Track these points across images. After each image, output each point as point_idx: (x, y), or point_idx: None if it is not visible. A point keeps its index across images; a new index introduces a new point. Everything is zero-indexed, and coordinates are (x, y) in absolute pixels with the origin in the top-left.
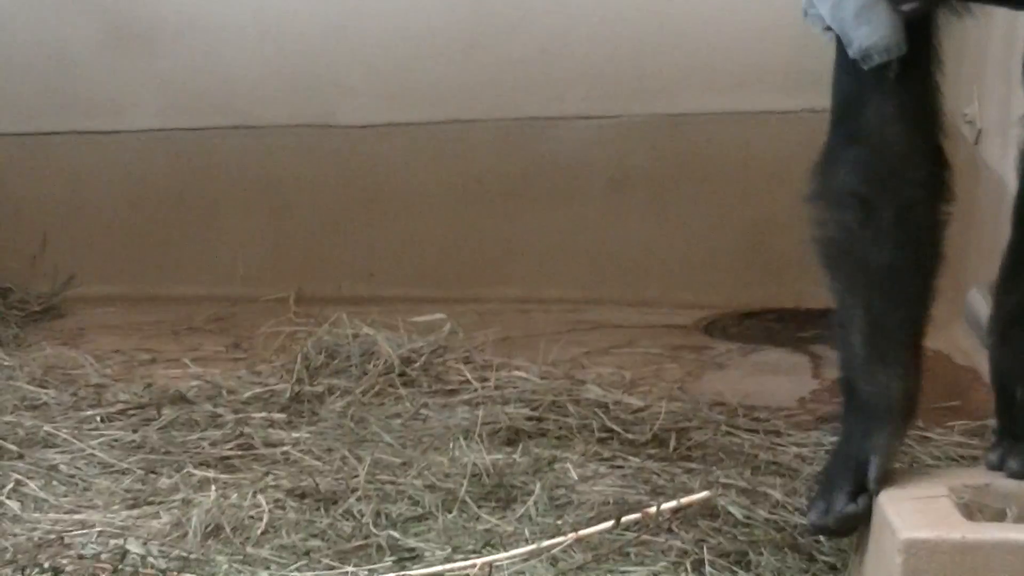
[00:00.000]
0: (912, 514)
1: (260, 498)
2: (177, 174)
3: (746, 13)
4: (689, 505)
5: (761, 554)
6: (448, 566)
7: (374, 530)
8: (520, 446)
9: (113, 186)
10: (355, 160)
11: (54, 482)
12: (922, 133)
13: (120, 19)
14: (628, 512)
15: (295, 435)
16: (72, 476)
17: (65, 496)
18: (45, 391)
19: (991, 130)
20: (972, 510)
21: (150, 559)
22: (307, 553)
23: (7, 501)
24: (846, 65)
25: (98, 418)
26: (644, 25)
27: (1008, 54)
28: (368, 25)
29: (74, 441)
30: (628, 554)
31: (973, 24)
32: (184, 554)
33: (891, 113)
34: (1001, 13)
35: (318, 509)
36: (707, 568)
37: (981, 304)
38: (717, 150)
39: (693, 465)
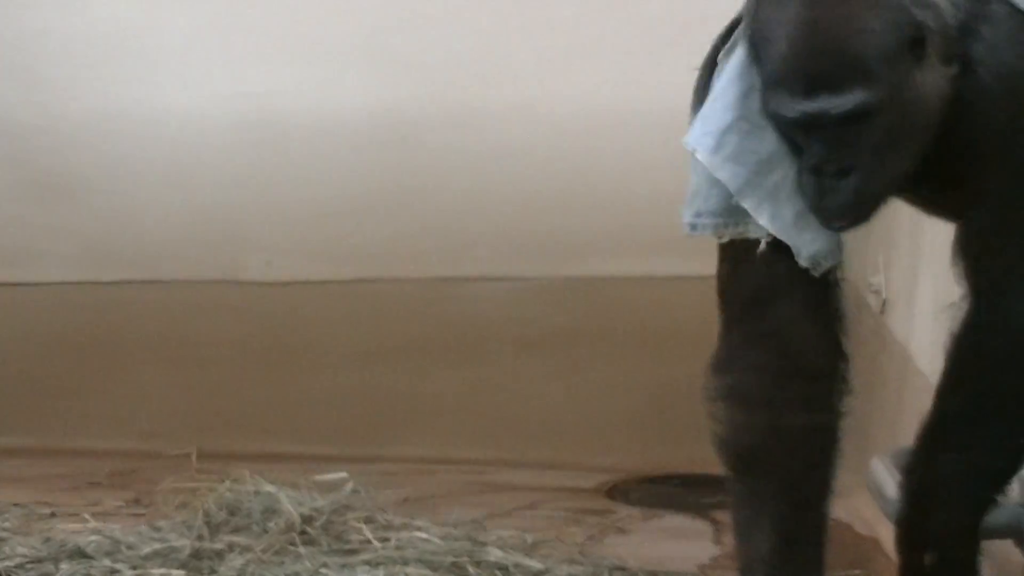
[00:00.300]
0: None
1: None
2: (85, 327)
3: (656, 179)
4: None
5: None
6: None
7: None
8: None
9: (21, 337)
10: (262, 316)
11: None
12: (827, 330)
13: (36, 171)
14: None
15: None
16: None
17: None
18: None
19: (896, 300)
20: None
21: None
22: None
23: None
24: (748, 264)
25: None
26: (556, 188)
27: (915, 226)
28: (279, 182)
29: None
30: None
31: None
32: None
33: (798, 312)
34: None
35: None
36: None
37: (884, 473)
38: (625, 314)
39: None
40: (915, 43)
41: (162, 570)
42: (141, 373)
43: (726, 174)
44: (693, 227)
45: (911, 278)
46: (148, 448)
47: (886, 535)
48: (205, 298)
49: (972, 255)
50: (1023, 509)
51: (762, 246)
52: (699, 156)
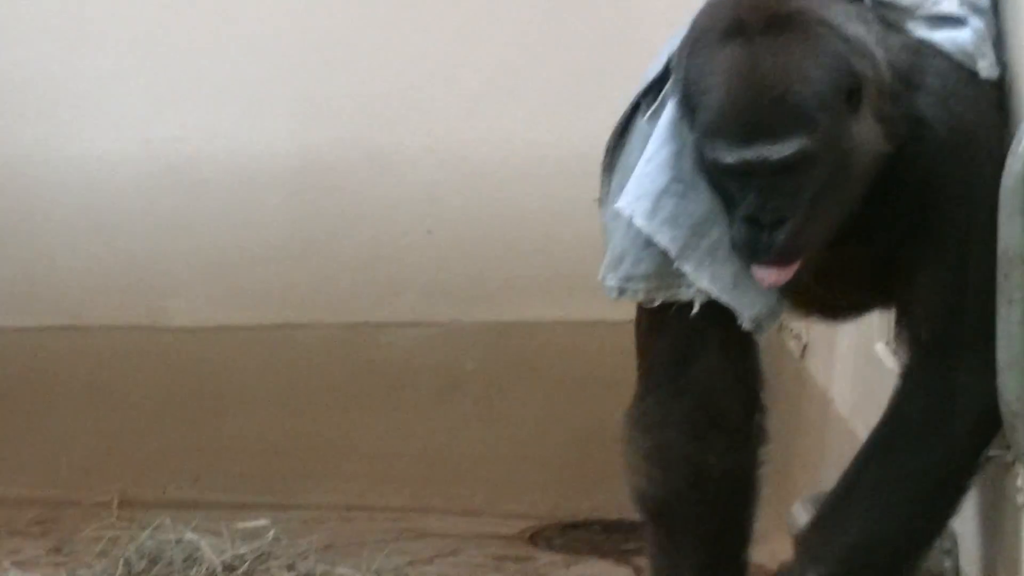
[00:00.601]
0: None
1: None
2: (4, 372)
3: (576, 224)
4: None
5: None
6: None
7: None
8: None
9: None
10: (183, 362)
11: None
12: (745, 384)
13: None
14: None
15: None
16: None
17: None
18: None
19: (817, 345)
20: None
21: None
22: None
23: None
24: (668, 322)
25: None
26: (475, 233)
27: None
28: (200, 227)
29: None
30: None
31: None
32: None
33: (717, 368)
34: None
35: None
36: None
37: (805, 517)
38: (545, 358)
39: None
40: (852, 93)
41: None
42: (61, 420)
43: (665, 238)
44: (621, 291)
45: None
46: (69, 496)
47: None
48: (126, 344)
49: (923, 319)
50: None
51: (696, 308)
52: (636, 221)
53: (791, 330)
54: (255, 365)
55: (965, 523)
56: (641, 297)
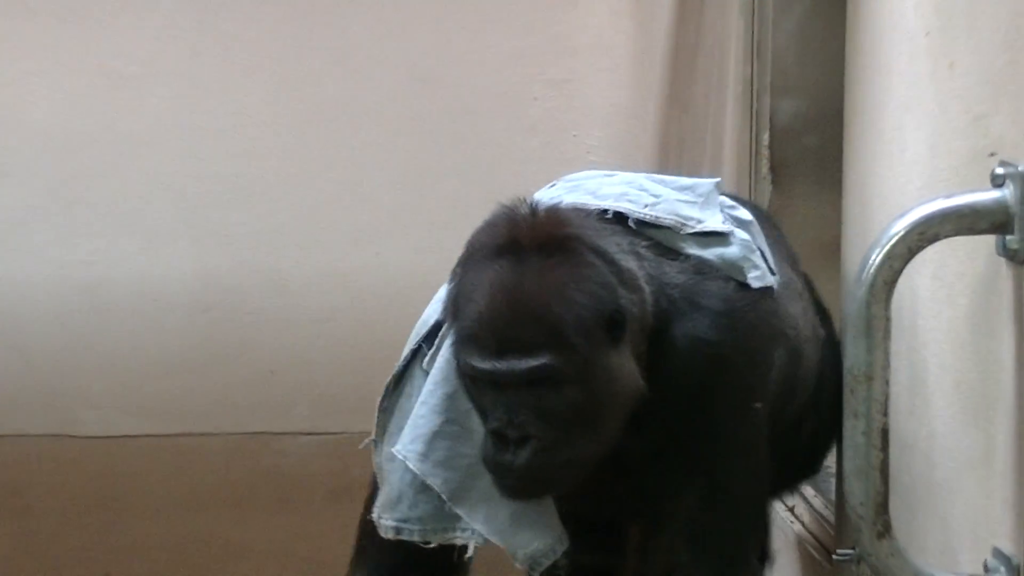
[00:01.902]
0: None
1: None
2: None
3: None
4: None
5: None
6: None
7: None
8: None
9: None
10: (93, 468)
11: None
12: None
13: None
14: None
15: None
16: None
17: None
18: None
19: None
20: None
21: None
22: None
23: None
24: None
25: None
26: (363, 349)
27: None
28: (108, 344)
29: None
30: None
31: None
32: None
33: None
34: None
35: None
36: None
37: None
38: None
39: None
40: (614, 324)
41: None
42: None
43: (438, 480)
44: (398, 531)
45: None
46: None
47: None
48: (39, 451)
49: (672, 547)
50: None
51: (471, 551)
52: (410, 464)
53: None
54: (160, 471)
55: None
56: (417, 538)
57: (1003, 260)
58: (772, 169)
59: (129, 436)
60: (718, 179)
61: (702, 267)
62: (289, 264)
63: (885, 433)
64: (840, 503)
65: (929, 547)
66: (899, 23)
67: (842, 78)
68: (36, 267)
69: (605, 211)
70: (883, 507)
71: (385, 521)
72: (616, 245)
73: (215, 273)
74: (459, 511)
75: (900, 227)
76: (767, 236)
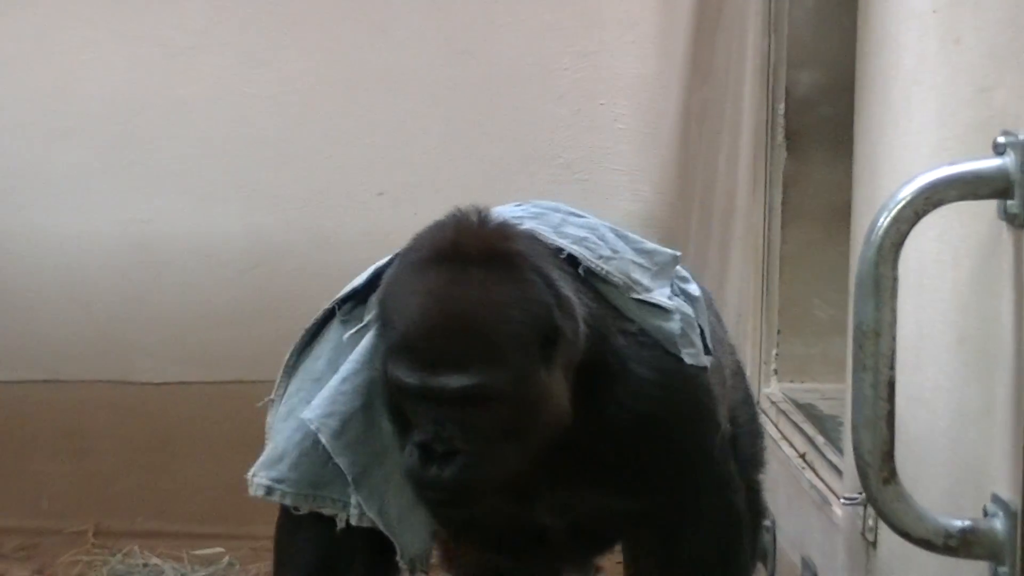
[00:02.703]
0: None
1: None
2: None
3: None
4: None
5: None
6: None
7: None
8: None
9: None
10: (148, 412)
11: None
12: None
13: None
14: None
15: None
16: None
17: None
18: None
19: None
20: None
21: None
22: None
23: None
24: (312, 527)
25: None
26: None
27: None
28: (162, 297)
29: None
30: None
31: None
32: None
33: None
34: (736, 263)
35: None
36: None
37: None
38: None
39: None
40: (548, 343)
41: None
42: (43, 461)
43: (346, 461)
44: (269, 491)
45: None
46: (50, 526)
47: None
48: (98, 396)
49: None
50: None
51: (340, 524)
52: (323, 438)
53: None
54: (210, 415)
55: (826, 556)
56: (288, 501)
57: (1004, 224)
58: (787, 137)
59: (182, 383)
60: (678, 253)
61: (641, 334)
62: (332, 223)
63: (891, 386)
64: (849, 451)
65: (932, 493)
66: (908, 1)
67: (855, 52)
68: (97, 224)
69: (560, 250)
70: (889, 455)
71: (258, 479)
72: (558, 274)
73: (263, 231)
74: (359, 495)
75: (907, 192)
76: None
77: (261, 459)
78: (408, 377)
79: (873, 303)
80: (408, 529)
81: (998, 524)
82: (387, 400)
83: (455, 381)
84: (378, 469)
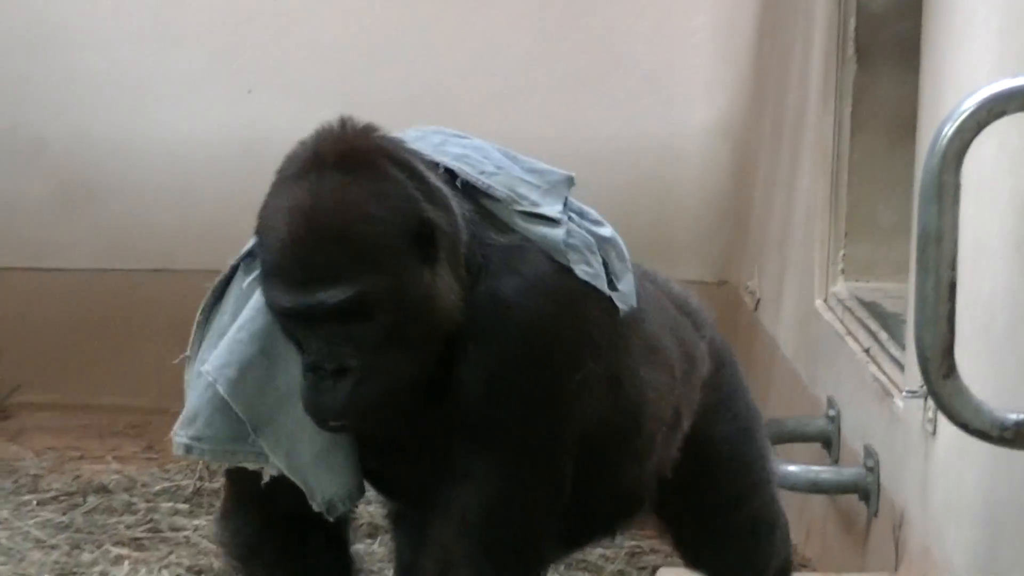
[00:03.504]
0: None
1: (164, 573)
2: (107, 307)
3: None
4: None
5: None
6: None
7: None
8: (378, 539)
9: (54, 314)
10: None
11: None
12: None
13: (66, 176)
14: None
15: (195, 522)
16: (11, 549)
17: (4, 564)
18: None
19: (767, 300)
20: None
21: None
22: None
23: None
24: (247, 500)
25: (34, 502)
26: None
27: (782, 239)
28: (263, 194)
29: (13, 520)
30: None
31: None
32: None
33: (259, 525)
34: (778, 203)
35: None
36: None
37: None
38: None
39: None
40: (422, 238)
41: (169, 504)
42: (154, 345)
43: (245, 410)
44: (188, 449)
45: (779, 283)
46: (159, 405)
47: None
48: (204, 284)
49: (454, 530)
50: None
51: (266, 478)
52: (220, 389)
53: (747, 287)
54: None
55: (887, 445)
56: (208, 458)
57: None
58: (857, 51)
59: None
60: (571, 174)
61: (524, 240)
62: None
63: (952, 287)
64: (911, 347)
65: (988, 389)
66: None
67: None
68: (205, 124)
69: (437, 166)
70: (949, 351)
71: (179, 438)
72: (425, 167)
73: None
74: (263, 443)
75: (970, 104)
76: (648, 284)
77: (181, 417)
78: (284, 300)
79: (936, 208)
80: (325, 469)
81: None
82: (283, 331)
83: (331, 296)
84: (285, 415)
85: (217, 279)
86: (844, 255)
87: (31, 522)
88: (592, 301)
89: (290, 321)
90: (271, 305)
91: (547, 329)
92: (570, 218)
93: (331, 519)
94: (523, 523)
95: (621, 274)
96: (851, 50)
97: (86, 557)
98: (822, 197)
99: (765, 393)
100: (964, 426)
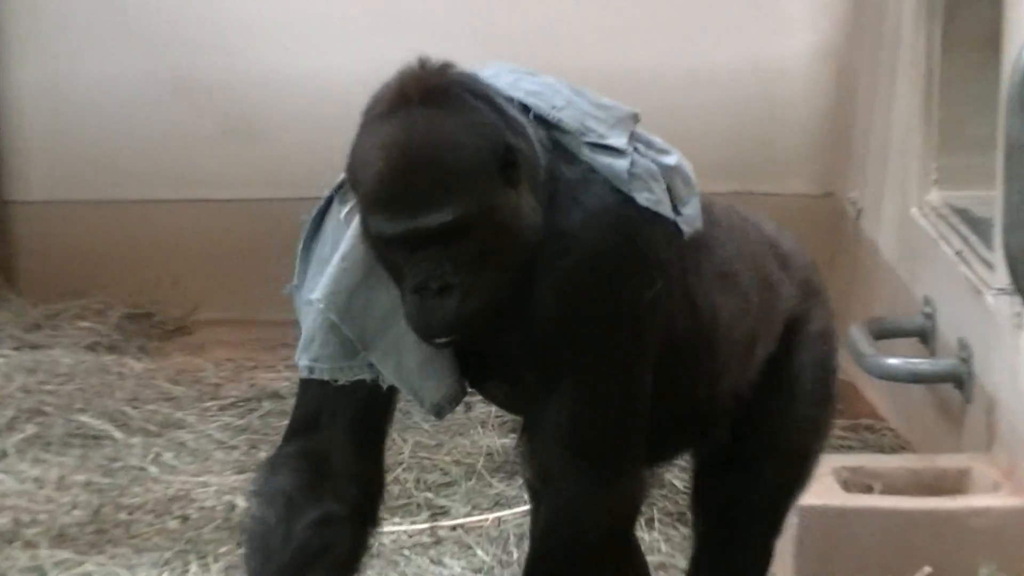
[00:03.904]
0: None
1: None
2: (273, 232)
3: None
4: None
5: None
6: (468, 520)
7: (415, 492)
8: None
9: (225, 240)
10: None
11: (183, 454)
12: (365, 456)
13: (230, 112)
14: None
15: None
16: (196, 449)
17: (191, 464)
18: (177, 387)
19: (868, 210)
20: (848, 485)
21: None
22: None
23: (149, 467)
24: (310, 386)
25: (215, 408)
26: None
27: (881, 153)
28: None
29: (198, 424)
30: None
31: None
32: None
33: (341, 438)
34: (877, 120)
35: None
36: (656, 524)
37: (859, 335)
38: None
39: None
40: (507, 165)
41: None
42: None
43: (354, 331)
44: (310, 370)
45: (878, 193)
46: None
47: (862, 380)
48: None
49: (548, 442)
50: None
51: (384, 385)
52: (331, 315)
53: (849, 199)
54: None
55: (980, 338)
56: (327, 376)
57: None
58: None
59: None
60: (637, 111)
61: (590, 171)
62: (546, 59)
63: None
64: (999, 248)
65: None
66: None
67: None
68: (344, 62)
69: (511, 100)
70: None
71: (301, 362)
72: (502, 98)
73: None
74: (372, 359)
75: None
76: (736, 217)
77: (300, 343)
78: (388, 228)
79: (1020, 119)
80: (431, 376)
81: None
82: (380, 259)
83: (433, 220)
84: (389, 330)
85: (313, 211)
86: (937, 166)
87: (213, 426)
88: (655, 226)
89: (394, 248)
90: (375, 235)
91: (609, 256)
92: (636, 149)
93: (438, 419)
94: (611, 432)
95: (687, 199)
96: None
97: (263, 455)
98: (917, 113)
99: (868, 294)
100: None
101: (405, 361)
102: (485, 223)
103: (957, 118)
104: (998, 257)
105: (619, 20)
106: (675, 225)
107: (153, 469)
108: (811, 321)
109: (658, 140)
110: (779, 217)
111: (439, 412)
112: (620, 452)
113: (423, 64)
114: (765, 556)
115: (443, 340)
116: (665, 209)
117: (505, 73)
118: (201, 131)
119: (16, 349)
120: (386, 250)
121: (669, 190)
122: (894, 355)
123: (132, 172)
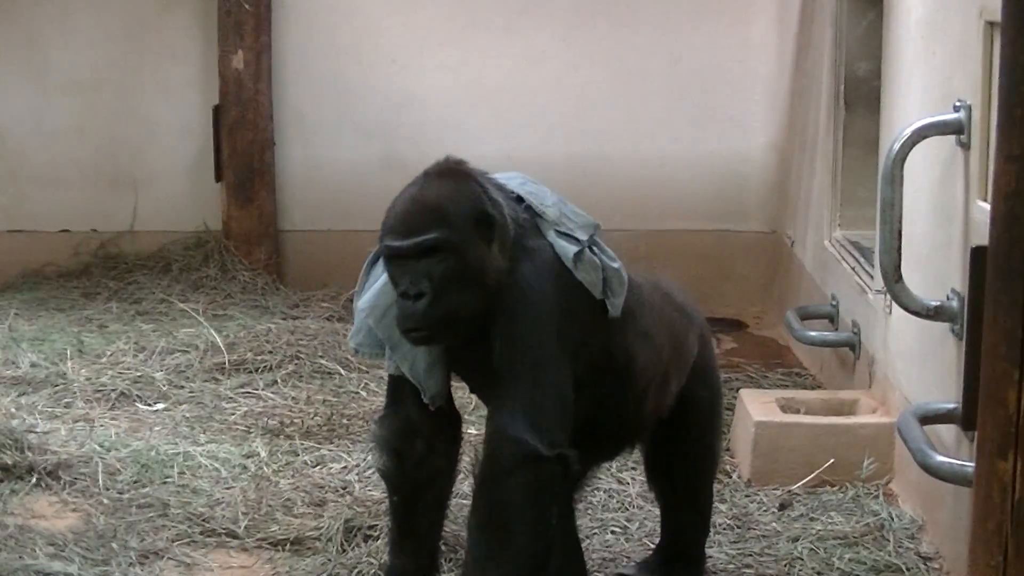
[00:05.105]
0: (758, 408)
1: None
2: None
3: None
4: None
5: None
6: None
7: None
8: None
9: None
10: None
11: (382, 383)
12: (440, 422)
13: (392, 151)
14: None
15: None
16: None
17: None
18: None
19: (798, 241)
20: (785, 409)
21: None
22: None
23: (360, 391)
24: (396, 377)
25: None
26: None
27: (807, 205)
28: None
29: None
30: None
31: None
32: None
33: (412, 400)
34: (803, 186)
35: None
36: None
37: (792, 318)
38: None
39: None
40: (481, 220)
41: None
42: None
43: (384, 336)
44: (357, 351)
45: (804, 232)
46: None
47: (793, 344)
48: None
49: (496, 396)
50: None
51: (396, 372)
52: (369, 322)
53: (787, 234)
54: None
55: (865, 319)
56: (367, 358)
57: (958, 148)
58: (846, 102)
59: None
60: (599, 223)
61: (549, 247)
62: (614, 149)
63: (900, 232)
64: (878, 265)
65: (920, 287)
66: (899, 34)
67: (881, 56)
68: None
69: (511, 192)
70: (897, 268)
71: (352, 343)
72: (499, 193)
73: (576, 155)
74: (394, 358)
75: (908, 131)
76: (657, 294)
77: (352, 331)
78: (388, 243)
79: (890, 188)
80: (431, 377)
81: (955, 303)
82: (387, 273)
83: (416, 239)
84: (406, 341)
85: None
86: (840, 215)
87: None
88: (582, 295)
89: (391, 261)
90: (383, 253)
91: (548, 297)
92: (591, 247)
93: (432, 407)
94: (549, 405)
95: (617, 293)
96: (842, 101)
97: None
98: (828, 182)
99: (797, 293)
100: (906, 308)
101: (417, 363)
102: (455, 252)
103: (851, 186)
104: (876, 272)
105: (635, 120)
106: (601, 303)
107: (363, 393)
108: (705, 359)
109: (609, 250)
110: (743, 246)
111: (434, 401)
112: (554, 422)
113: (447, 158)
114: (709, 495)
115: (416, 335)
116: (596, 291)
117: (517, 178)
118: (366, 166)
119: (283, 319)
120: (388, 265)
121: (606, 282)
122: (813, 330)
123: (355, 212)
